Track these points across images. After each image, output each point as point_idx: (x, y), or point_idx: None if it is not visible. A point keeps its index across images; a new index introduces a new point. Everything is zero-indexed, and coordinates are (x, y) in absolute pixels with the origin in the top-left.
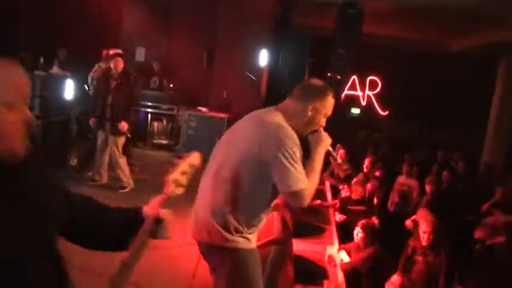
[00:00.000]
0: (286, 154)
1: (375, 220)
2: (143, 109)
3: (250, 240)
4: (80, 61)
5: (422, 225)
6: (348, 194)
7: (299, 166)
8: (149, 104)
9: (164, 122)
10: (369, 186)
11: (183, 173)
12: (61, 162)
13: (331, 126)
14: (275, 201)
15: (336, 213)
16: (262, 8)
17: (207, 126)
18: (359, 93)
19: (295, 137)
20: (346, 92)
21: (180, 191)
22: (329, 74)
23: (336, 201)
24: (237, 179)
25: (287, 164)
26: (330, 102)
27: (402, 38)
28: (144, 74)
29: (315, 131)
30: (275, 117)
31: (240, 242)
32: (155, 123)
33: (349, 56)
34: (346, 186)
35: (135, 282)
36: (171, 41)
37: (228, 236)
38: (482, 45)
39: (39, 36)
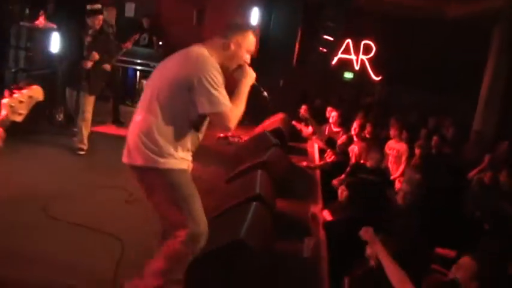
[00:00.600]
0: (208, 78)
1: (390, 193)
2: (132, 66)
3: (181, 161)
4: (68, 15)
5: (402, 183)
6: (332, 158)
7: (221, 90)
8: (138, 61)
9: None
10: (355, 148)
11: (21, 102)
12: (48, 116)
13: (324, 89)
14: None
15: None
16: None
17: None
18: (353, 57)
19: (216, 65)
20: (339, 55)
21: (17, 118)
22: (323, 36)
23: (322, 162)
24: (165, 105)
25: (209, 87)
26: (250, 37)
27: (398, 2)
28: (133, 31)
29: (240, 66)
30: (199, 49)
31: (171, 163)
32: (144, 81)
33: (342, 18)
34: (329, 150)
35: (117, 235)
36: None
37: (159, 158)
38: (477, 12)
39: None
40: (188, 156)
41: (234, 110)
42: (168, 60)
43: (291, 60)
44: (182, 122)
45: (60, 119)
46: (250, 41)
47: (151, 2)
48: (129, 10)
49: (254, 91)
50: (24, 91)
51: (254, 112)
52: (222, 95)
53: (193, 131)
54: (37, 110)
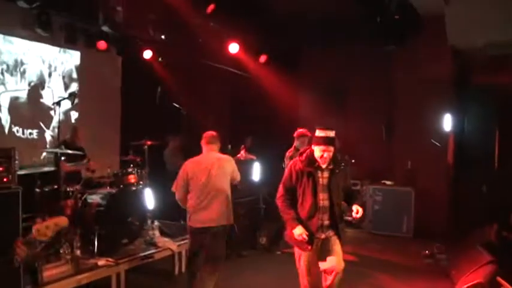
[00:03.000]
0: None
1: None
2: None
3: None
4: (264, 147)
5: None
6: None
7: None
8: None
9: None
10: None
11: (47, 227)
12: (251, 240)
13: None
14: None
15: None
16: (440, 71)
17: (393, 200)
18: None
19: None
20: None
21: (43, 238)
22: None
23: None
24: (228, 186)
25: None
26: None
27: None
28: None
29: None
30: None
31: None
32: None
33: None
34: None
35: None
36: (347, 117)
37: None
38: None
39: (226, 127)
40: None
41: None
42: (212, 166)
43: (492, 164)
44: None
45: (263, 242)
46: None
47: (338, 123)
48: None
49: None
50: (52, 220)
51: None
52: None
53: None
54: (243, 235)
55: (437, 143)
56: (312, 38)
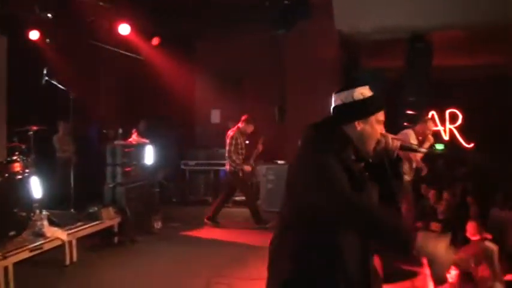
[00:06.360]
0: None
1: None
2: (221, 167)
3: None
4: (159, 130)
5: None
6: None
7: None
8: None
9: None
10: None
11: None
12: (146, 226)
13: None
14: None
15: None
16: (330, 54)
17: (285, 178)
18: (440, 128)
19: None
20: None
21: None
22: (406, 111)
23: None
24: None
25: None
26: None
27: (477, 65)
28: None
29: None
30: None
31: None
32: None
33: (422, 90)
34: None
35: None
36: (243, 100)
37: None
38: None
39: (118, 111)
40: None
41: None
42: None
43: None
44: None
45: (158, 227)
46: None
47: (234, 106)
48: (215, 116)
49: None
50: None
51: None
52: None
53: None
54: (136, 220)
55: None
56: (206, 22)
